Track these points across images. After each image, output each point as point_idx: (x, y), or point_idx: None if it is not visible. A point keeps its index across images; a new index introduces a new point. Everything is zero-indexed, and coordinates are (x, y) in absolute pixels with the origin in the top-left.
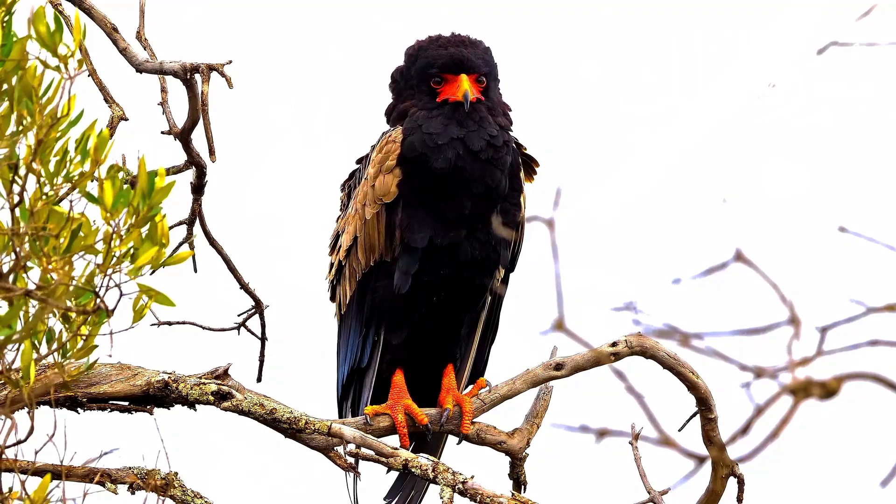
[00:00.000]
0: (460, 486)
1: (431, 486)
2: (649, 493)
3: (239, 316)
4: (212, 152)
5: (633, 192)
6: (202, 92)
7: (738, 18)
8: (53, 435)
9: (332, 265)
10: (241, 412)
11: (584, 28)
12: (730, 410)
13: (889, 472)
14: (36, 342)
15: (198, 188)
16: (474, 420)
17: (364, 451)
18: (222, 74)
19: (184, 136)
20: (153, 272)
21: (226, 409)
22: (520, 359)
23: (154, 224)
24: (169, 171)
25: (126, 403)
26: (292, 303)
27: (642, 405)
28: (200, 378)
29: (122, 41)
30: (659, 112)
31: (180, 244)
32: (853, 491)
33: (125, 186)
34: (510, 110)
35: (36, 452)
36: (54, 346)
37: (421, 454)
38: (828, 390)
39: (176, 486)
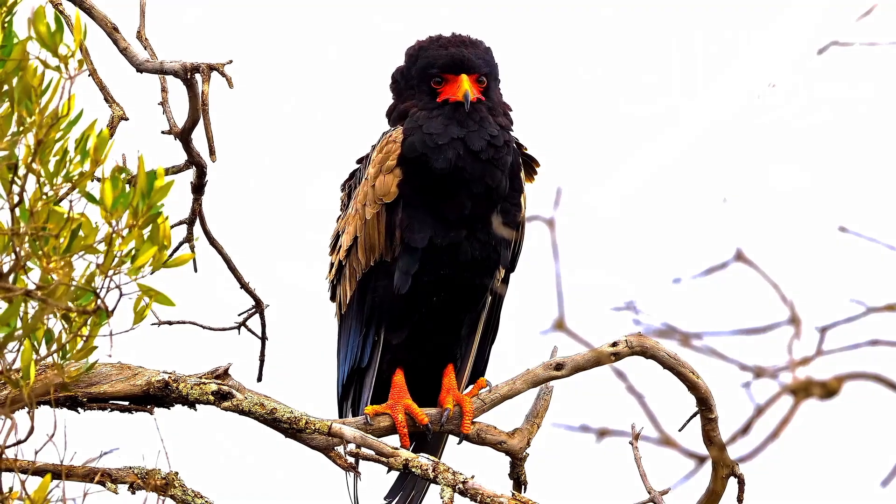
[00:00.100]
0: (461, 485)
1: (432, 486)
2: (649, 493)
3: (239, 315)
4: (212, 152)
5: (633, 193)
6: (202, 92)
7: (738, 18)
8: (53, 435)
9: (332, 265)
10: (242, 412)
11: (584, 28)
12: (730, 410)
13: (889, 472)
14: (36, 343)
15: (198, 188)
16: (475, 420)
17: (364, 450)
18: (223, 74)
19: (184, 136)
20: (153, 272)
21: (226, 409)
22: (520, 359)
23: (156, 225)
24: (169, 171)
25: (126, 403)
26: (292, 303)
27: (643, 405)
28: (201, 378)
29: (122, 41)
30: (659, 112)
31: (180, 244)
32: (853, 491)
33: (125, 187)
34: (510, 110)
35: (36, 452)
36: (54, 346)
37: (421, 454)
38: (828, 390)
39: (176, 485)
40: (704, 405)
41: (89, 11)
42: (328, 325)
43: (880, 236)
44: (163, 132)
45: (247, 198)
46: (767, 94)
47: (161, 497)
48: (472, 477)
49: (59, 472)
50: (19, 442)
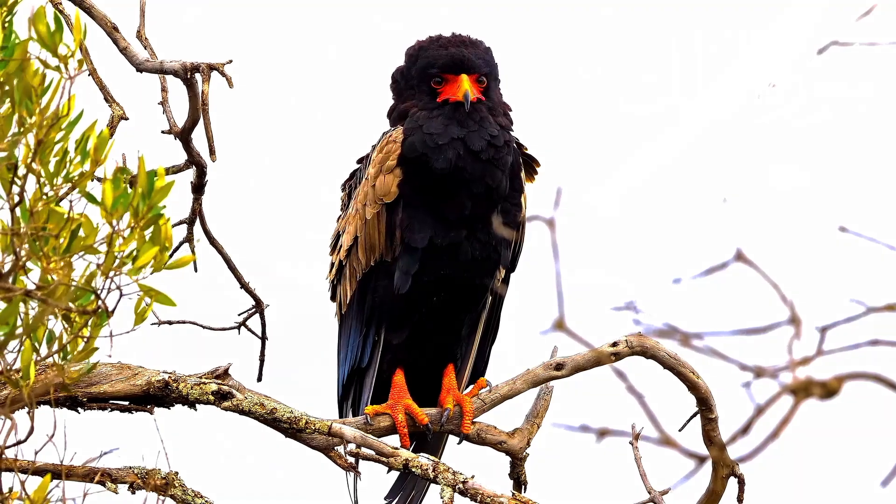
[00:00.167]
0: (461, 485)
1: (432, 485)
2: (650, 492)
3: (239, 315)
4: (212, 152)
5: (633, 192)
6: (202, 91)
7: (738, 18)
8: (53, 435)
9: (332, 265)
10: (242, 412)
11: (584, 28)
12: (730, 410)
13: (889, 472)
14: (36, 343)
15: (198, 188)
16: (475, 420)
17: (364, 450)
18: (223, 74)
19: (184, 136)
20: (153, 273)
21: (226, 409)
22: (520, 359)
23: (157, 227)
24: (169, 171)
25: (126, 403)
26: (292, 302)
27: (643, 405)
28: (201, 378)
29: (122, 40)
30: (659, 112)
31: (180, 243)
32: (853, 491)
33: (126, 188)
34: (511, 110)
35: (36, 453)
36: (55, 346)
37: (421, 454)
38: (828, 390)
39: (176, 485)
40: (705, 405)
41: (89, 11)
42: (328, 325)
43: (880, 236)
44: (163, 132)
45: (247, 198)
46: (767, 94)
47: (161, 497)
48: (473, 477)
49: (59, 472)
50: (19, 442)
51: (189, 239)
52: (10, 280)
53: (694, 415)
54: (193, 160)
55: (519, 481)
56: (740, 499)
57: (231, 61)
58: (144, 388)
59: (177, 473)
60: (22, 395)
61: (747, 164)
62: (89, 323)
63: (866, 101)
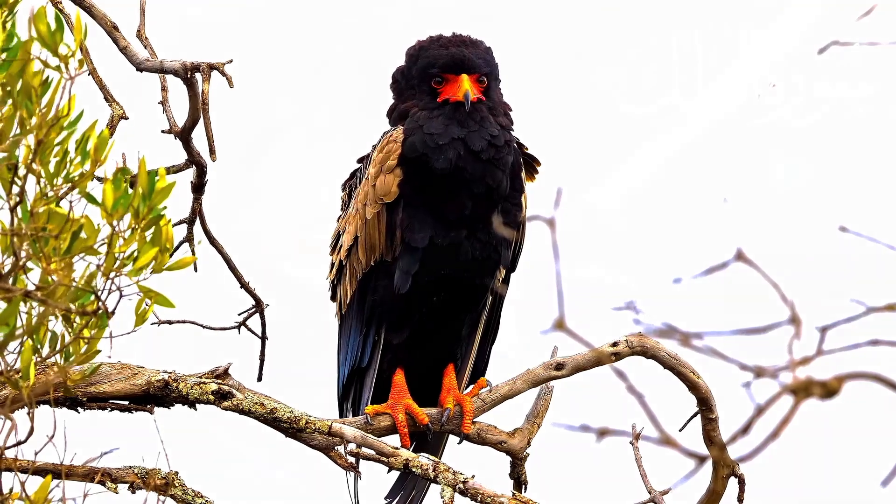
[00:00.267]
0: (461, 485)
1: (432, 485)
2: (650, 492)
3: (239, 315)
4: (212, 151)
5: (633, 192)
6: (203, 91)
7: (738, 18)
8: (53, 436)
9: (332, 265)
10: (242, 412)
11: (584, 27)
12: (730, 410)
13: (889, 472)
14: (38, 344)
15: (198, 187)
16: (475, 420)
17: (365, 450)
18: (223, 73)
19: (184, 135)
20: (153, 274)
21: (226, 409)
22: (520, 358)
23: (158, 228)
24: (169, 170)
25: (126, 403)
26: (292, 302)
27: (643, 405)
28: (201, 377)
29: (122, 40)
30: (659, 112)
31: (181, 243)
32: (853, 491)
33: (127, 188)
34: (511, 110)
35: (36, 453)
36: (57, 347)
37: (422, 454)
38: (828, 390)
39: (176, 485)
40: (705, 405)
41: (89, 10)
42: (328, 325)
43: (880, 236)
44: (163, 131)
45: (247, 198)
46: (768, 93)
47: (161, 497)
48: (473, 477)
49: (59, 472)
50: (20, 443)
51: (189, 239)
52: (11, 281)
53: (694, 415)
54: (193, 160)
55: (519, 481)
56: (741, 499)
57: (231, 61)
58: (144, 388)
59: (177, 473)
60: (22, 395)
61: (747, 164)
62: (90, 324)
63: (866, 100)
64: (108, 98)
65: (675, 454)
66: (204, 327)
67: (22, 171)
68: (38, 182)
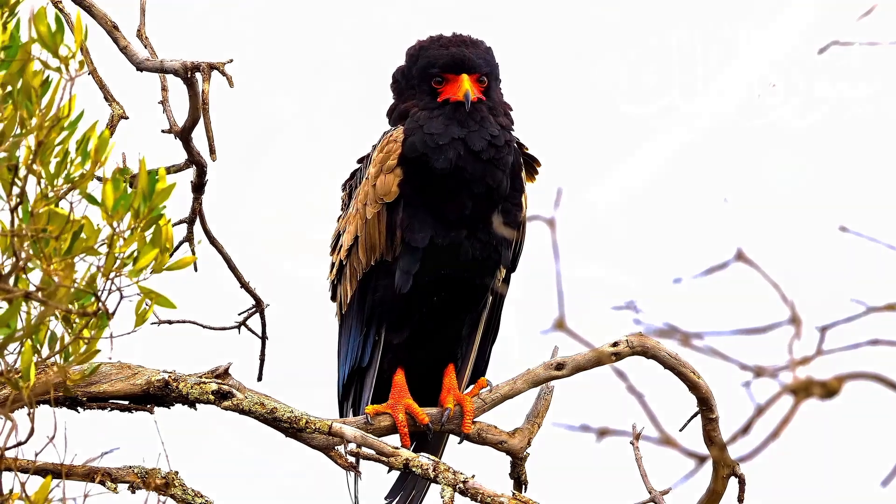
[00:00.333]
0: (461, 485)
1: (432, 485)
2: (650, 492)
3: (239, 315)
4: (212, 151)
5: (633, 192)
6: (203, 91)
7: (738, 18)
8: (54, 436)
9: (332, 265)
10: (242, 411)
11: (583, 28)
12: (731, 410)
13: (889, 472)
14: (38, 345)
15: (198, 187)
16: (475, 419)
17: (365, 450)
18: (223, 73)
19: (184, 135)
20: (153, 274)
21: (226, 409)
22: (521, 358)
23: (158, 228)
24: (169, 170)
25: (126, 402)
26: (293, 302)
27: (643, 405)
28: (201, 377)
29: (122, 39)
30: (659, 112)
31: (181, 243)
32: (853, 491)
33: (126, 188)
34: (511, 110)
35: (36, 454)
36: (57, 347)
37: (422, 454)
38: (828, 390)
39: (176, 485)
40: (705, 405)
41: (89, 9)
42: (328, 325)
43: (880, 236)
44: (163, 131)
45: (247, 198)
46: (768, 93)
47: (161, 497)
48: (473, 476)
49: (59, 472)
50: (20, 443)
51: (189, 239)
52: (11, 281)
53: (695, 415)
54: (193, 160)
55: (519, 481)
56: (741, 499)
57: (231, 60)
58: (144, 388)
59: (177, 473)
60: (22, 395)
61: (747, 164)
62: (90, 324)
63: (866, 101)
64: (109, 98)
65: (675, 454)
66: (204, 327)
67: (22, 172)
68: (39, 183)
